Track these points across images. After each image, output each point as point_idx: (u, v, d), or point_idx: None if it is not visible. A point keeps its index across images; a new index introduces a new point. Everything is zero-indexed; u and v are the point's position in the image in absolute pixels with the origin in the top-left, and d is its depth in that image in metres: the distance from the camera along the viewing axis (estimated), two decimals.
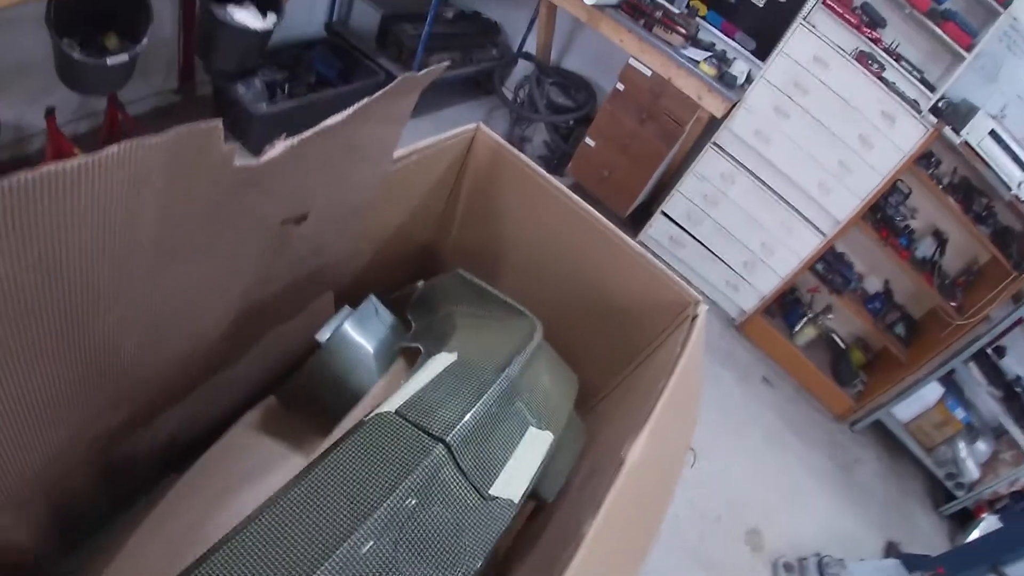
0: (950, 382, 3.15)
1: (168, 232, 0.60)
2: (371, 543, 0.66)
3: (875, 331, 3.16)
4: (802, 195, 2.93)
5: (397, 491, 0.70)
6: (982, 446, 3.21)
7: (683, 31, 2.93)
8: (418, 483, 0.72)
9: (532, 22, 3.50)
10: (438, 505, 0.74)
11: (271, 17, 2.34)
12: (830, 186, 2.86)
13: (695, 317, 1.10)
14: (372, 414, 0.81)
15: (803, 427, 3.08)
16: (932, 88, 2.75)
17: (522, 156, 1.26)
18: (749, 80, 2.92)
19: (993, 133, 2.69)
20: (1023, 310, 2.80)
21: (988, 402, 3.06)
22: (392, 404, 0.82)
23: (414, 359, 1.00)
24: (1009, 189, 2.72)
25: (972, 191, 2.91)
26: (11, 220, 0.43)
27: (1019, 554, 2.12)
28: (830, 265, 3.11)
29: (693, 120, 2.90)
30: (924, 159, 2.89)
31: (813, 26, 2.76)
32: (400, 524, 0.69)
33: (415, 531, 0.70)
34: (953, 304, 2.95)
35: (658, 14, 2.92)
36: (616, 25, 2.93)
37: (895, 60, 2.79)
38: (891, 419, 3.17)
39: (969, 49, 2.65)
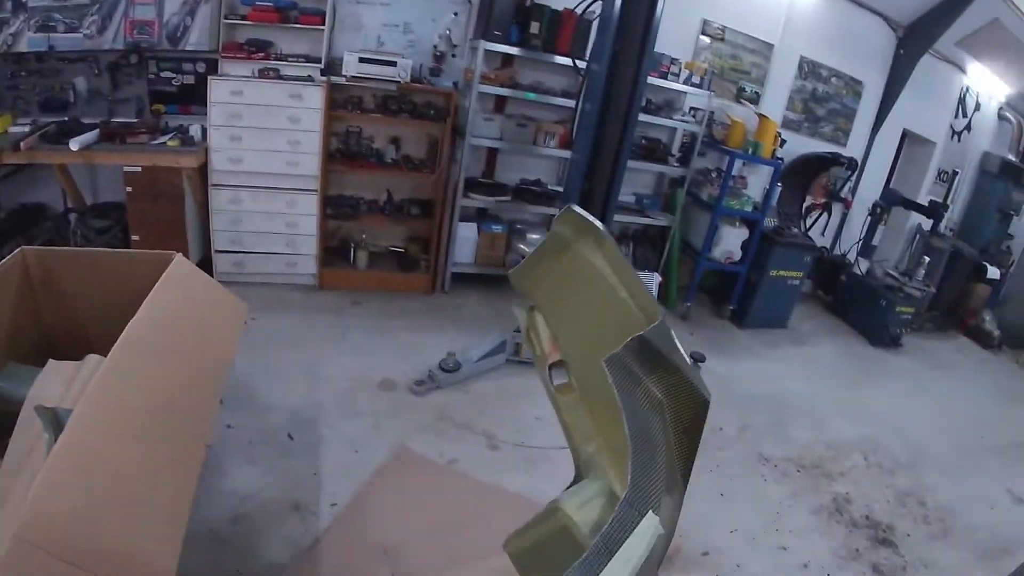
0: (482, 217, 4.21)
1: None
2: None
3: (401, 225, 4.20)
4: (283, 177, 3.93)
5: None
6: (535, 235, 4.26)
7: (144, 130, 3.90)
8: None
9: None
10: None
11: None
12: (295, 159, 3.88)
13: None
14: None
15: (398, 312, 3.99)
16: (319, 60, 3.86)
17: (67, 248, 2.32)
18: (205, 134, 3.90)
19: (362, 59, 3.83)
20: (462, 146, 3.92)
21: (507, 208, 4.15)
22: None
23: None
24: (397, 81, 3.85)
25: (389, 99, 4.03)
26: None
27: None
28: (337, 206, 4.12)
29: (185, 179, 3.82)
30: (347, 104, 3.99)
31: (223, 74, 3.81)
32: None
33: None
34: (429, 171, 4.04)
35: (121, 130, 3.88)
36: (103, 153, 3.81)
37: (285, 61, 3.88)
38: (460, 266, 4.17)
39: (338, 22, 3.81)
